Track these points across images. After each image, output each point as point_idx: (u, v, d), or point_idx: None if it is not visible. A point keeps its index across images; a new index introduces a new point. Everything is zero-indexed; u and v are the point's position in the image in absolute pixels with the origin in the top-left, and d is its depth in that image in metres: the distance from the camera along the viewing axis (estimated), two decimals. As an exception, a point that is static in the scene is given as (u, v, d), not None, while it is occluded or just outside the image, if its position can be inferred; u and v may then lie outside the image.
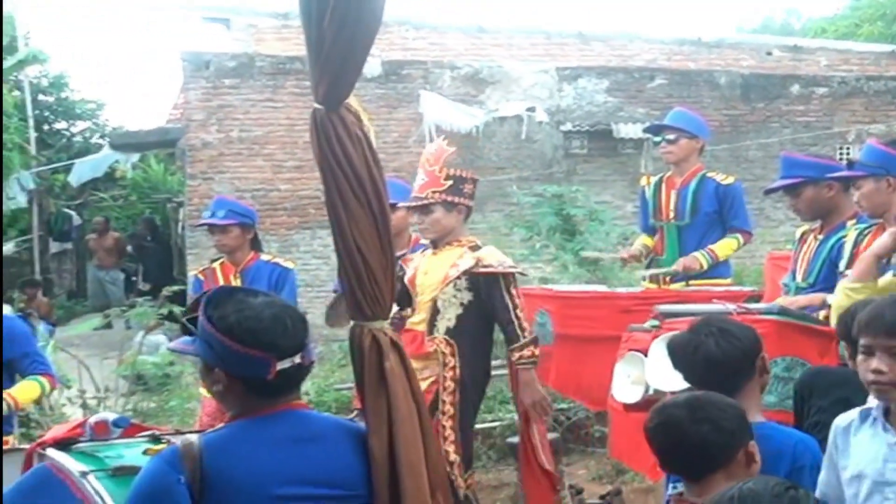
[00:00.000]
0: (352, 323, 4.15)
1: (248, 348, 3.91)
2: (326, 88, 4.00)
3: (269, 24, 22.19)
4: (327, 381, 13.68)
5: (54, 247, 27.67)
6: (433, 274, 7.92)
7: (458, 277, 7.84)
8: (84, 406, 12.43)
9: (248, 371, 3.94)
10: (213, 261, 9.80)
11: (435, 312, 7.88)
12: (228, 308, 3.97)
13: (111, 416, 5.02)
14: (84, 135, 31.86)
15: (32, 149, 25.80)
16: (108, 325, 20.51)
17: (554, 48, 23.26)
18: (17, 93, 24.45)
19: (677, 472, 4.45)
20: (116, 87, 57.85)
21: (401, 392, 4.06)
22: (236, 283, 9.23)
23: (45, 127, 30.03)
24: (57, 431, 5.09)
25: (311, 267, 19.13)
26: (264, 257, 9.74)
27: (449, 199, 7.86)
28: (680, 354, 4.91)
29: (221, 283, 9.23)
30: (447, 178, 7.87)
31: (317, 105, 4.04)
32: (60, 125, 31.68)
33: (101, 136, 30.47)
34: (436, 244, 8.03)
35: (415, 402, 4.10)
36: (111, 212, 27.88)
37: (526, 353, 7.78)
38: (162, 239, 26.50)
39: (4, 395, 7.54)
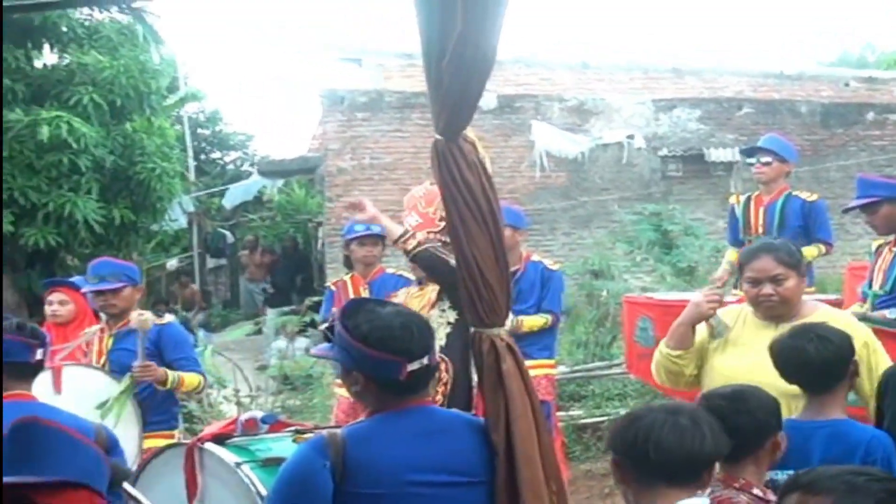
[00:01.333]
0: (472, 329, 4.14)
1: (381, 353, 3.94)
2: (446, 121, 4.00)
3: (396, 63, 22.26)
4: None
5: (211, 262, 27.99)
6: (417, 305, 7.41)
7: (440, 298, 7.40)
8: (238, 404, 12.53)
9: (382, 373, 3.96)
10: (346, 274, 9.83)
11: None
12: (361, 318, 4.00)
13: (259, 414, 5.08)
14: (236, 163, 32.24)
15: (192, 176, 26.15)
16: (259, 332, 20.70)
17: (651, 82, 23.11)
18: (178, 127, 24.77)
19: None
20: (263, 121, 58.31)
21: (517, 391, 4.04)
22: (365, 293, 9.22)
23: (203, 157, 30.43)
24: (213, 428, 5.14)
25: (434, 279, 19.12)
26: (389, 270, 9.77)
27: (442, 239, 7.27)
28: (780, 355, 4.86)
29: (351, 293, 9.25)
30: (441, 219, 7.24)
31: (438, 136, 4.04)
32: (215, 155, 32.09)
33: (251, 164, 30.80)
34: (420, 281, 7.60)
35: (529, 399, 4.08)
36: (259, 231, 28.10)
37: None
38: (302, 255, 26.65)
39: (173, 374, 7.66)
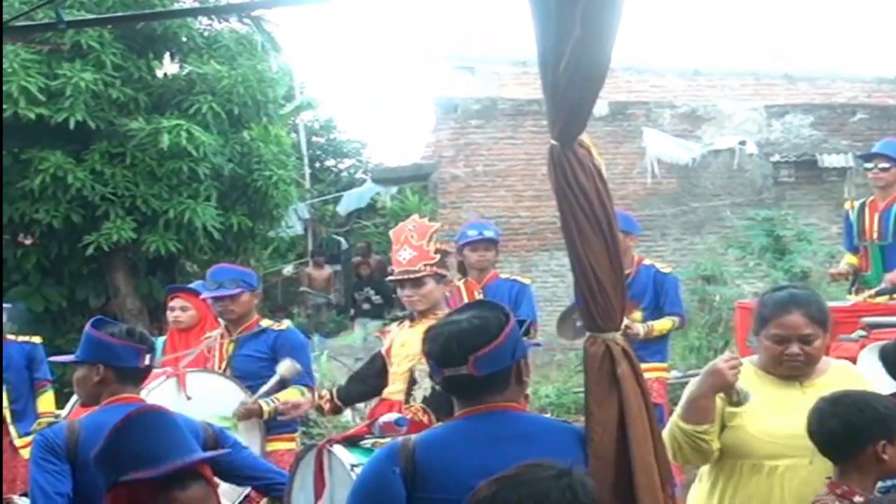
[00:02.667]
0: (587, 334, 4.11)
1: (428, 357, 4.14)
2: (562, 127, 3.99)
3: (510, 71, 22.30)
4: (566, 385, 13.72)
5: (326, 268, 28.19)
6: (410, 346, 7.20)
7: None
8: (353, 409, 12.58)
9: (433, 374, 4.18)
10: (459, 279, 9.87)
11: (412, 382, 7.20)
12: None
13: (394, 417, 5.15)
14: (350, 171, 32.44)
15: (307, 183, 26.37)
16: (377, 337, 20.80)
17: (763, 88, 22.89)
18: (294, 135, 25.01)
19: (822, 454, 4.49)
20: (377, 129, 58.64)
21: (632, 395, 4.00)
22: (479, 297, 9.22)
23: (317, 164, 30.66)
24: (348, 431, 5.25)
25: (548, 285, 19.12)
26: (503, 275, 9.80)
27: (439, 271, 7.24)
28: (890, 360, 4.79)
29: (465, 298, 9.25)
30: (436, 251, 7.24)
31: (553, 142, 4.04)
32: (330, 162, 32.32)
33: (364, 172, 30.98)
34: (413, 317, 7.41)
35: (644, 403, 4.05)
36: (373, 237, 28.27)
37: None
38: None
39: (268, 405, 7.67)
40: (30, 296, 16.24)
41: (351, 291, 25.20)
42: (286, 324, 8.47)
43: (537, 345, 4.54)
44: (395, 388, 7.30)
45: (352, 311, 24.32)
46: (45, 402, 10.13)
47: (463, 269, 9.81)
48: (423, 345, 4.18)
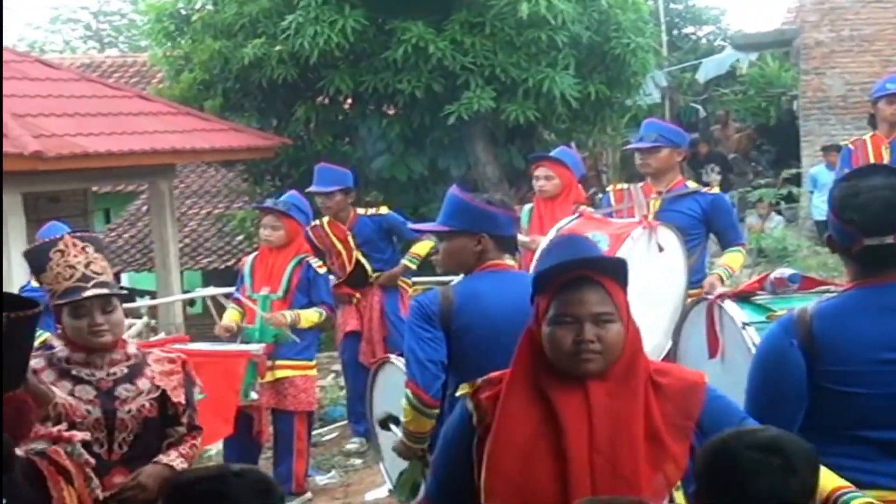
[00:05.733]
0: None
1: (840, 221, 3.84)
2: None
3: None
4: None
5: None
6: None
7: None
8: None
9: (840, 240, 3.88)
10: (866, 134, 9.66)
11: None
12: (844, 183, 3.91)
13: (787, 272, 5.05)
14: (708, 37, 32.00)
15: (665, 51, 26.11)
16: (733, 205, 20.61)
17: None
18: (651, 2, 24.77)
19: None
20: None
21: None
22: (886, 154, 8.92)
23: (675, 32, 30.31)
24: (741, 286, 5.21)
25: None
26: None
27: None
28: None
29: (871, 152, 9.00)
30: None
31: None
32: (688, 30, 31.95)
33: (724, 39, 30.48)
34: None
35: None
36: (731, 105, 27.82)
37: None
38: (778, 128, 26.20)
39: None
40: (393, 165, 16.79)
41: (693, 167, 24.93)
42: (716, 189, 8.37)
43: None
44: None
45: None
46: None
47: (873, 123, 9.67)
48: (842, 213, 3.86)
